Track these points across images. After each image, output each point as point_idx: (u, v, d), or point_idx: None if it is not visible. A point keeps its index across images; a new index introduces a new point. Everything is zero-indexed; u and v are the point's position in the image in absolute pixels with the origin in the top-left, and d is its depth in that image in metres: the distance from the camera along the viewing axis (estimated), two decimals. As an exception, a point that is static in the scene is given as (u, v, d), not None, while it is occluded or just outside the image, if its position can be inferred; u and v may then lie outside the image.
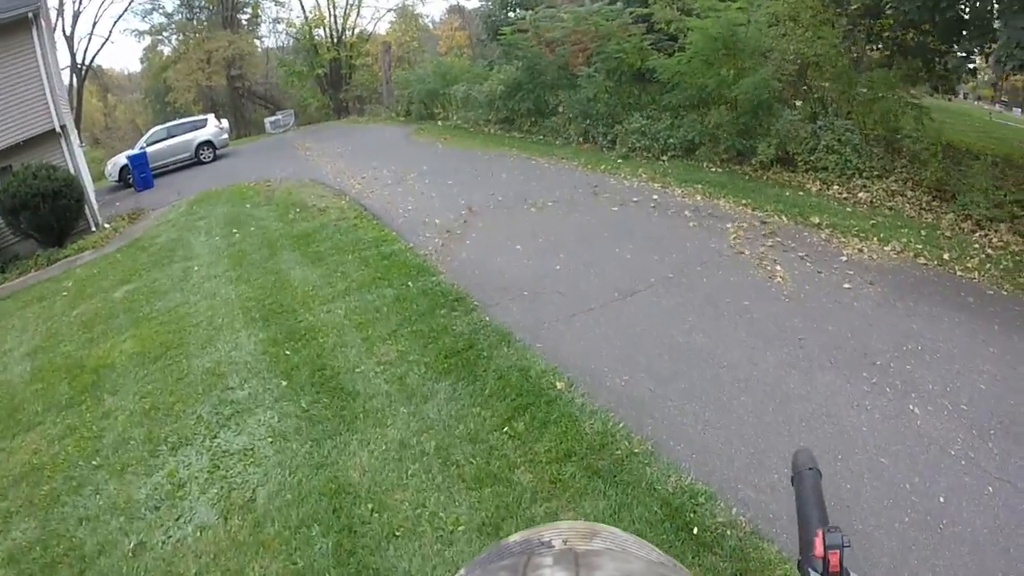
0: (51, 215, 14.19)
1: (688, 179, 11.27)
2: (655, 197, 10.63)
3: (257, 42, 37.97)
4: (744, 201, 9.96)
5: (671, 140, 13.30)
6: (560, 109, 16.71)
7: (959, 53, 11.21)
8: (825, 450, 4.35)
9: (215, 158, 21.62)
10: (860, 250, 8.28)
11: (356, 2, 31.95)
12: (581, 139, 15.81)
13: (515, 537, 0.55)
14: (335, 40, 31.10)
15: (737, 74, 12.06)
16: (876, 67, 12.48)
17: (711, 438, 4.62)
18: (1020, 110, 30.00)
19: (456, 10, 44.82)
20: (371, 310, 7.22)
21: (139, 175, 19.11)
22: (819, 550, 0.83)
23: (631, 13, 15.38)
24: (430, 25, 41.63)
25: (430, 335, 6.42)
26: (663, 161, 13.03)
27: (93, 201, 16.19)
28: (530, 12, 18.20)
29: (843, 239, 8.62)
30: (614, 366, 5.63)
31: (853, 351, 5.62)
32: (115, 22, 54.36)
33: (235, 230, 11.90)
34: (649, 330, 6.25)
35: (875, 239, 8.55)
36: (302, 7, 31.19)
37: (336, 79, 30.70)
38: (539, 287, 7.54)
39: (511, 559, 0.50)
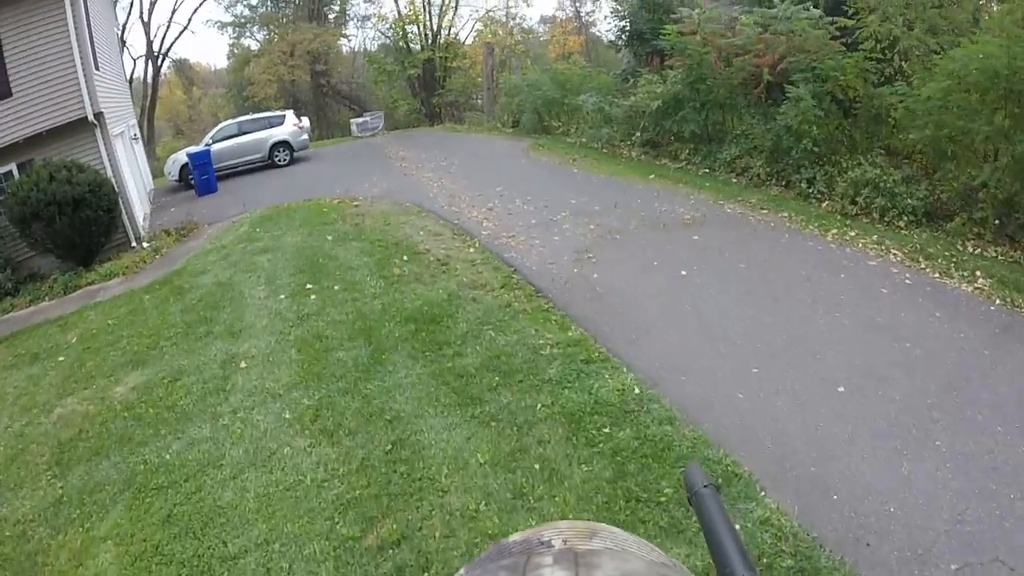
0: (70, 229, 10.05)
1: (963, 264, 6.91)
2: (946, 296, 6.26)
3: (344, 40, 33.97)
4: None
5: (909, 200, 8.55)
6: (741, 137, 11.94)
7: None
8: None
9: (292, 161, 17.30)
10: None
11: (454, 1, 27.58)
12: (774, 181, 11.01)
13: (515, 537, 0.51)
14: (430, 39, 26.78)
15: (1013, 123, 7.66)
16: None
17: None
18: None
19: (549, 19, 40.17)
20: None
21: (200, 177, 14.93)
22: None
23: (833, 24, 10.60)
24: (538, 29, 36.70)
25: None
26: (900, 228, 8.32)
27: (136, 210, 12.07)
28: (696, 11, 13.38)
29: None
30: None
31: None
32: (195, 11, 50.88)
33: (310, 283, 7.43)
34: None
35: None
36: (395, 1, 26.78)
37: (430, 82, 26.17)
38: (969, 544, 3.32)
39: (511, 559, 0.46)
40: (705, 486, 0.80)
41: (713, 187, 10.93)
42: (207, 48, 69.02)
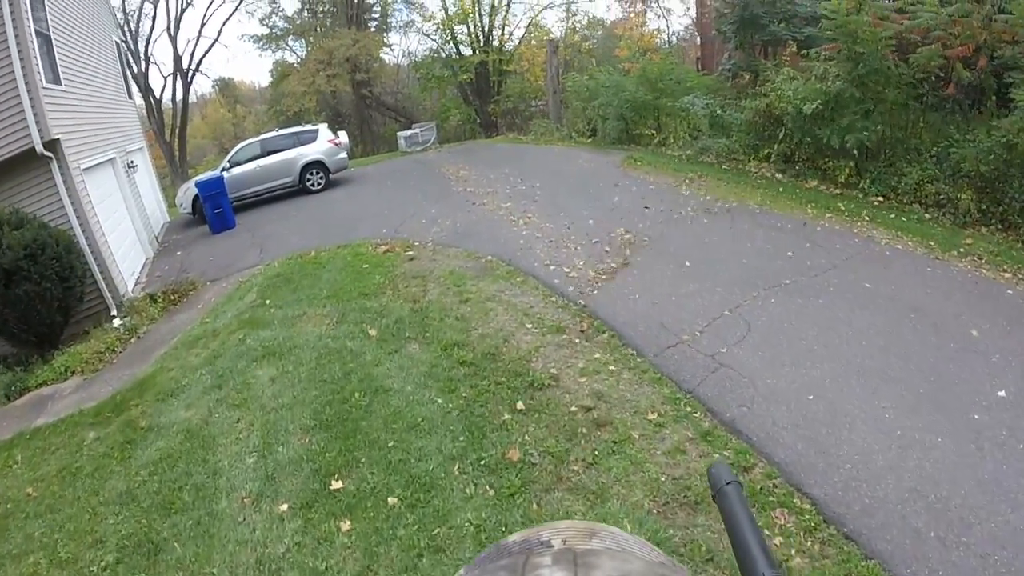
0: (7, 309, 6.61)
1: None
2: None
3: (387, 50, 30.34)
4: None
5: None
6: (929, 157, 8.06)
7: None
8: None
9: (327, 185, 13.78)
10: None
11: (506, -1, 23.53)
12: (998, 224, 7.17)
13: (514, 537, 0.48)
14: (482, 41, 22.96)
15: None
16: None
17: None
18: None
19: (598, 22, 35.74)
20: None
21: (212, 211, 11.43)
22: None
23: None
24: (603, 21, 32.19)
25: None
26: None
27: (119, 267, 8.59)
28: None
29: None
30: None
31: None
32: (224, 22, 49.38)
33: (338, 475, 3.68)
34: None
35: None
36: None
37: (483, 88, 22.25)
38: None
39: (509, 559, 0.43)
40: (728, 483, 0.73)
41: (910, 228, 7.08)
42: (252, 67, 66.70)
